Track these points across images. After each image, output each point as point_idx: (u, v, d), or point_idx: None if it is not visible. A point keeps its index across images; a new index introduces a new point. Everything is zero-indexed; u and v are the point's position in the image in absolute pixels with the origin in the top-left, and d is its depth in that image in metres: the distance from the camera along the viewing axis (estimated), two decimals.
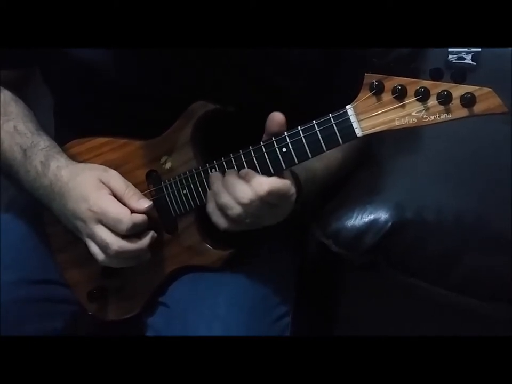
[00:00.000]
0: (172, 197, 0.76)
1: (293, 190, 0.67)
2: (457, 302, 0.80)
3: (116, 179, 0.75)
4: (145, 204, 0.73)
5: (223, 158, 0.72)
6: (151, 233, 0.74)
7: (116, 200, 0.73)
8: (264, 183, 0.65)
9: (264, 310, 0.78)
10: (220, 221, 0.69)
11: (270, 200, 0.66)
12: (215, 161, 0.72)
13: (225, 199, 0.66)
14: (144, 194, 0.77)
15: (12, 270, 0.82)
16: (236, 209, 0.66)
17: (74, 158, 0.79)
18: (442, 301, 0.81)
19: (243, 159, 0.70)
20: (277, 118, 0.66)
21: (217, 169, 0.72)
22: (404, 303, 0.86)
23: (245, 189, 0.65)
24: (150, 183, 0.77)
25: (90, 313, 0.85)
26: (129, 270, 0.80)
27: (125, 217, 0.71)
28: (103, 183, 0.74)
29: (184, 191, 0.75)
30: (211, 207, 0.69)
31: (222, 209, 0.67)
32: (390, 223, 0.80)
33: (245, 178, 0.66)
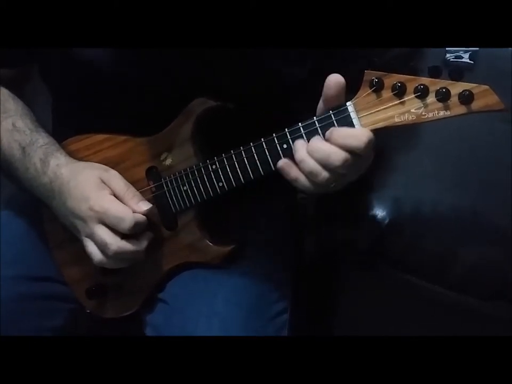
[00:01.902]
0: (172, 193, 0.77)
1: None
2: (457, 300, 0.81)
3: (116, 179, 0.75)
4: (144, 206, 0.74)
5: (223, 155, 0.72)
6: (149, 235, 0.75)
7: (117, 200, 0.73)
8: (359, 134, 0.62)
9: (262, 307, 0.78)
10: (305, 186, 0.66)
11: (362, 151, 0.63)
12: (215, 158, 0.73)
13: (312, 165, 0.64)
14: (144, 191, 0.77)
15: (11, 267, 0.81)
16: (324, 174, 0.63)
17: (73, 155, 0.79)
18: (441, 299, 0.82)
19: (244, 156, 0.70)
20: (334, 79, 0.62)
21: (218, 166, 0.73)
22: (402, 302, 0.86)
23: (337, 151, 0.62)
24: (150, 179, 0.78)
25: (88, 311, 0.85)
26: (128, 267, 0.80)
27: (128, 216, 0.71)
28: (104, 183, 0.74)
29: (185, 188, 0.75)
30: (294, 173, 0.66)
31: (309, 176, 0.65)
32: (387, 220, 0.81)
33: (332, 139, 0.63)
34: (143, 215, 0.73)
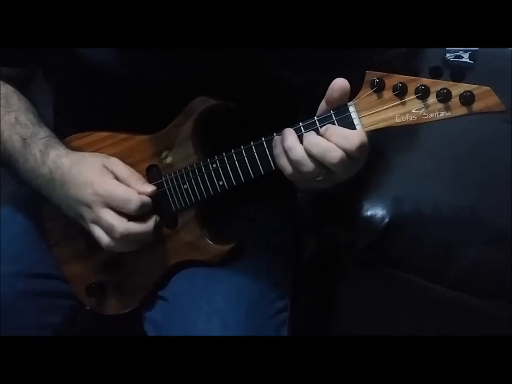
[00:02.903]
0: (172, 191, 0.77)
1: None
2: (456, 299, 0.81)
3: (118, 165, 0.75)
4: (149, 188, 0.74)
5: (224, 154, 0.72)
6: (155, 217, 0.75)
7: (121, 183, 0.73)
8: (353, 136, 0.62)
9: (262, 304, 0.78)
10: (291, 174, 0.66)
11: (355, 155, 0.63)
12: (216, 157, 0.73)
13: (300, 154, 0.64)
14: None
15: (11, 264, 0.82)
16: (310, 166, 0.63)
17: None
18: (440, 298, 0.82)
19: (244, 155, 0.71)
20: (339, 83, 0.63)
21: (218, 165, 0.73)
22: (401, 301, 0.87)
23: (335, 149, 0.62)
24: (150, 177, 0.78)
25: (88, 308, 0.85)
26: (128, 265, 0.81)
27: (134, 197, 0.72)
28: (106, 168, 0.74)
29: (185, 186, 0.76)
30: (283, 162, 0.66)
31: (296, 165, 0.64)
32: (386, 220, 0.81)
33: (326, 135, 0.63)
34: (148, 196, 0.73)
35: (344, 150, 0.62)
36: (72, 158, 0.76)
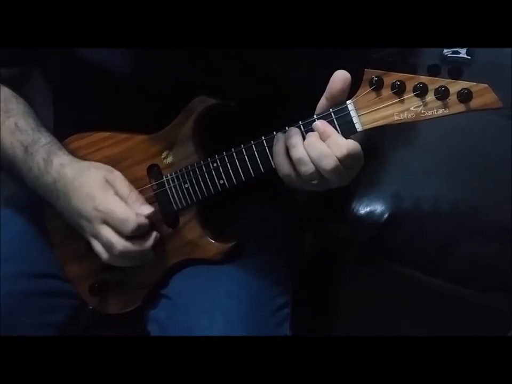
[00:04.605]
0: (173, 191, 0.77)
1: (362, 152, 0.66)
2: (456, 293, 0.82)
3: (120, 181, 0.76)
4: (147, 210, 0.74)
5: (224, 153, 0.73)
6: (154, 234, 0.75)
7: (121, 201, 0.74)
8: (342, 146, 0.64)
9: (263, 301, 0.79)
10: (288, 174, 0.67)
11: (346, 163, 0.64)
12: (216, 156, 0.73)
13: (302, 153, 0.65)
14: (146, 189, 0.78)
15: (13, 263, 0.82)
16: (310, 167, 0.64)
17: (75, 152, 0.79)
18: (440, 292, 0.83)
19: (244, 153, 0.71)
20: (340, 74, 0.63)
21: (219, 163, 0.73)
22: (401, 295, 0.87)
23: (331, 157, 0.63)
24: (151, 177, 0.78)
25: (91, 307, 0.85)
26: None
27: (131, 219, 0.72)
28: (108, 183, 0.75)
29: (186, 185, 0.76)
30: (281, 159, 0.67)
31: (296, 163, 0.65)
32: (386, 215, 0.82)
33: (325, 140, 0.64)
34: (145, 217, 0.74)
35: (338, 158, 0.64)
36: (75, 168, 0.76)
